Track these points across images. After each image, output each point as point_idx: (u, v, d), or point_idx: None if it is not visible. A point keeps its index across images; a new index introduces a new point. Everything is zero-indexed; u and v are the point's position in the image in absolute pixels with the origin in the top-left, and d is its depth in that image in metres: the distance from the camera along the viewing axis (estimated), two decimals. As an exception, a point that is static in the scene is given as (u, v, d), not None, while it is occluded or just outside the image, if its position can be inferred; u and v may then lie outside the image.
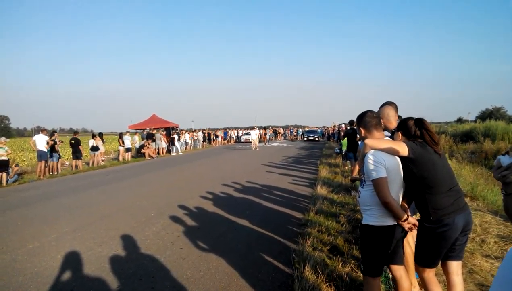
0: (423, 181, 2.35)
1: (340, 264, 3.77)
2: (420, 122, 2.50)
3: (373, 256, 2.44)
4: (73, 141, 14.75)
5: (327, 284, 3.34)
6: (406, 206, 2.51)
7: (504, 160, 1.74)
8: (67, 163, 16.94)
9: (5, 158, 11.45)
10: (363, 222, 2.48)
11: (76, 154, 14.89)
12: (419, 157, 2.36)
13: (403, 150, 2.35)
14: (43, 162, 12.80)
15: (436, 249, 2.38)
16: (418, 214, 2.55)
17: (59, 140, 14.26)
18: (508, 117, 35.19)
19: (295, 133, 45.65)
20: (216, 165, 15.40)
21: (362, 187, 2.49)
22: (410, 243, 3.02)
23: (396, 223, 2.36)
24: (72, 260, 4.31)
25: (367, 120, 2.52)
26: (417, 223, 2.39)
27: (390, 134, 3.05)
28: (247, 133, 25.93)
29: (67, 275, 3.90)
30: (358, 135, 8.59)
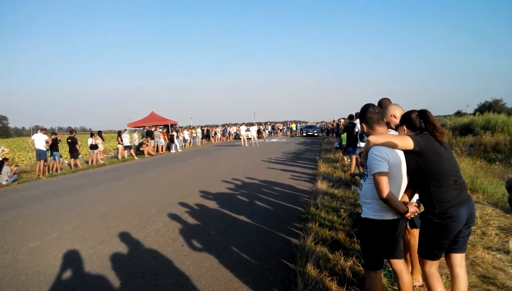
0: (429, 174, 2.33)
1: (342, 258, 3.77)
2: (423, 114, 2.47)
3: (373, 250, 2.44)
4: (69, 141, 14.71)
5: (329, 278, 3.34)
6: (408, 200, 2.48)
7: None
8: (66, 161, 16.90)
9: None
10: (363, 216, 2.48)
11: (73, 153, 14.86)
12: (424, 149, 2.34)
13: (408, 143, 2.32)
14: (42, 161, 12.79)
15: (440, 241, 2.38)
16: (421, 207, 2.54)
17: (59, 139, 14.26)
18: (507, 110, 35.18)
19: (292, 129, 45.21)
20: (215, 161, 15.39)
21: (364, 180, 2.48)
22: (416, 238, 3.00)
23: (395, 218, 2.35)
24: (74, 259, 4.30)
25: (368, 117, 2.48)
26: (418, 210, 2.38)
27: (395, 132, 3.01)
28: (247, 130, 25.97)
29: (69, 273, 3.89)
30: (356, 129, 8.53)
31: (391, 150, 2.32)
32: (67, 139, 14.83)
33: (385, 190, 2.23)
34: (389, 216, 2.35)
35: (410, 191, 2.51)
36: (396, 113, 3.07)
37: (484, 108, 38.81)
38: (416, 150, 2.33)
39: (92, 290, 3.47)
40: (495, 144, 14.69)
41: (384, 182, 2.24)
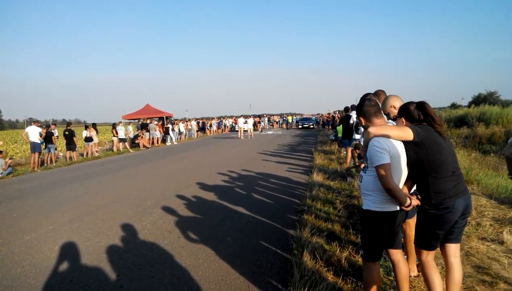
0: (428, 164, 2.33)
1: (338, 249, 3.79)
2: (421, 106, 2.47)
3: (373, 241, 2.45)
4: (67, 133, 14.58)
5: (325, 269, 3.36)
6: (407, 190, 2.49)
7: None
8: (61, 154, 16.81)
9: None
10: (364, 207, 2.47)
11: (70, 145, 14.73)
12: (424, 140, 2.34)
13: (408, 134, 2.33)
14: (36, 154, 12.71)
15: (436, 232, 2.39)
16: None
17: (56, 136, 14.17)
18: (502, 102, 35.33)
19: (288, 121, 45.32)
20: (211, 154, 15.36)
21: (365, 172, 2.47)
22: (412, 228, 3.02)
23: (397, 209, 2.36)
24: (70, 251, 4.29)
25: (366, 110, 2.49)
26: (419, 203, 2.40)
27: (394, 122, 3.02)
28: (245, 122, 25.95)
29: (65, 265, 3.89)
30: (351, 121, 8.54)
31: (391, 141, 2.32)
32: (64, 132, 14.69)
33: (389, 181, 2.23)
34: (390, 208, 2.35)
35: (409, 183, 2.52)
36: (395, 104, 3.08)
37: (479, 100, 38.90)
38: (415, 141, 2.33)
39: (89, 282, 3.47)
40: (490, 136, 14.79)
41: (387, 172, 2.24)
